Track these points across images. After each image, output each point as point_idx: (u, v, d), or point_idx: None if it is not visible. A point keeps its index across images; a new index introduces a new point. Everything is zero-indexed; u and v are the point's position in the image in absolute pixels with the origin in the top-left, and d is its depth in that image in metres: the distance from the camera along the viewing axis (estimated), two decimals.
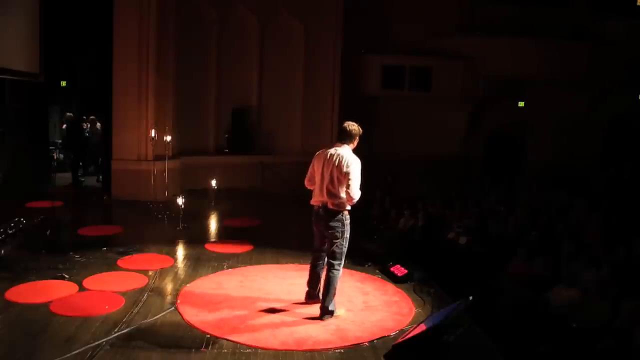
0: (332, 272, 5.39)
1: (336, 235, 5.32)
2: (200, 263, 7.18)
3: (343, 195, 5.22)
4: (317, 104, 13.20)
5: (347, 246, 5.40)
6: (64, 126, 13.43)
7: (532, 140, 15.89)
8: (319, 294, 5.61)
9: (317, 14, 13.10)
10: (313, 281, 5.73)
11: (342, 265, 5.45)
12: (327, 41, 13.18)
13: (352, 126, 5.37)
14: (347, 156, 5.25)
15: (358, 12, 13.51)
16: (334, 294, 5.42)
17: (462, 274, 6.60)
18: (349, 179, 5.16)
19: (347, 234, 5.36)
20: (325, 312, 5.41)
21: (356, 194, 5.20)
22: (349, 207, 5.32)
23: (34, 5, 11.32)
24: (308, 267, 5.80)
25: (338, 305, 5.58)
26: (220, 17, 12.72)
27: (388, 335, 5.17)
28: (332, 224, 5.29)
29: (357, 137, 5.39)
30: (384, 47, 14.14)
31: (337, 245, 5.35)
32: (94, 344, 4.69)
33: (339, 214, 5.28)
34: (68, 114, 13.51)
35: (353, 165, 5.21)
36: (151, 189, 10.56)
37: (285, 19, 13.15)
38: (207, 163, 12.09)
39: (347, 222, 5.33)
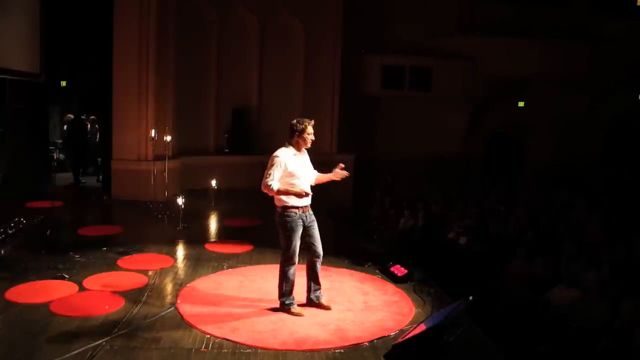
0: (280, 265, 5.53)
1: (278, 230, 5.48)
2: (200, 263, 7.17)
3: None
4: (317, 104, 13.18)
5: (293, 243, 5.40)
6: (65, 127, 13.43)
7: (533, 140, 15.90)
8: (312, 296, 5.66)
9: (317, 14, 13.09)
10: (307, 284, 5.72)
11: (289, 262, 5.46)
12: (327, 41, 13.16)
13: (292, 122, 5.46)
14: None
15: (358, 12, 13.50)
16: (284, 287, 5.52)
17: (462, 274, 6.61)
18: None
19: (287, 232, 5.39)
20: (280, 306, 5.57)
21: (262, 183, 5.30)
22: (289, 204, 5.35)
23: (34, 5, 11.32)
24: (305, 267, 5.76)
25: (322, 311, 5.61)
26: (220, 17, 12.71)
27: (388, 335, 5.17)
28: (276, 220, 5.48)
29: (295, 132, 5.40)
30: (384, 47, 14.13)
31: (282, 242, 5.48)
32: (94, 344, 4.69)
33: (278, 209, 5.43)
34: (69, 115, 13.52)
35: (271, 158, 5.35)
36: (151, 189, 10.55)
37: (286, 19, 13.14)
38: (207, 163, 12.08)
39: (286, 219, 5.37)
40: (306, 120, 5.44)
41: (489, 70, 14.10)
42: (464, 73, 14.29)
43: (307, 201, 5.42)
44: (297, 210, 5.37)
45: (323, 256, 5.66)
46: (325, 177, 5.62)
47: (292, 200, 5.34)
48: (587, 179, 13.16)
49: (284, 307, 5.55)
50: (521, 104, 15.36)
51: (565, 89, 14.53)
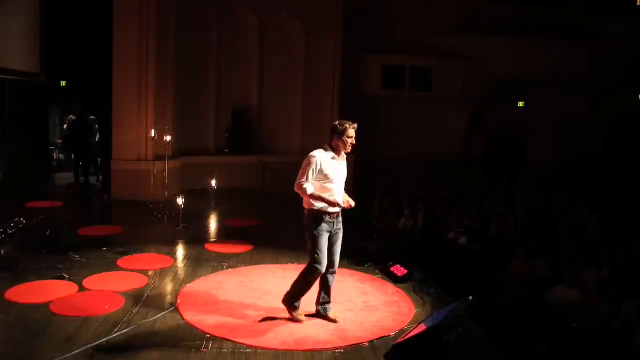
0: (304, 271, 5.29)
1: (305, 234, 5.24)
2: (200, 263, 7.18)
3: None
4: (317, 104, 13.19)
5: (319, 248, 5.14)
6: (65, 126, 13.42)
7: (533, 140, 15.89)
8: (320, 308, 5.46)
9: (317, 14, 13.09)
10: (318, 294, 5.50)
11: (314, 272, 5.19)
12: (327, 41, 13.15)
13: (333, 123, 5.22)
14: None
15: (358, 12, 13.49)
16: (300, 289, 5.31)
17: (462, 274, 6.60)
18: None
19: (313, 237, 5.14)
20: (284, 299, 5.38)
21: (295, 183, 5.07)
22: (318, 206, 5.11)
23: (34, 6, 11.34)
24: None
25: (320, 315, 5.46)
26: (220, 17, 12.72)
27: (388, 335, 5.17)
28: (304, 224, 5.25)
29: (335, 134, 5.13)
30: (384, 47, 14.12)
31: (308, 249, 5.24)
32: (94, 344, 4.70)
33: (305, 212, 5.21)
34: (70, 116, 13.51)
35: (307, 157, 5.11)
36: (151, 189, 10.55)
37: (285, 19, 13.14)
38: (207, 163, 12.07)
39: (312, 223, 5.14)
40: (348, 122, 5.15)
41: (489, 70, 14.10)
42: (464, 73, 14.27)
43: (337, 208, 5.20)
44: (325, 216, 5.13)
45: None
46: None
47: (321, 204, 5.11)
48: (587, 179, 13.15)
49: (288, 307, 5.37)
50: (521, 104, 15.35)
51: (566, 89, 14.52)
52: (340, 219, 5.30)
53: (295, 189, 5.11)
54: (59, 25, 11.54)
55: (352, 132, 5.11)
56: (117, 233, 8.58)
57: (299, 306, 5.40)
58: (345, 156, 5.27)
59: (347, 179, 5.37)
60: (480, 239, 7.73)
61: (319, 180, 5.09)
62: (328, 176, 5.09)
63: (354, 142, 5.18)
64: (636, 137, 15.32)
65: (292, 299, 5.38)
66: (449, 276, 6.62)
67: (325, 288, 5.43)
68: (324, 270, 5.22)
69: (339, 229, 5.30)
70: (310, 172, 5.04)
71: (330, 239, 5.24)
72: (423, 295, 6.22)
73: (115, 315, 5.34)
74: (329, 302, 5.48)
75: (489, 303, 5.52)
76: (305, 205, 5.20)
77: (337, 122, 5.18)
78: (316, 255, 5.16)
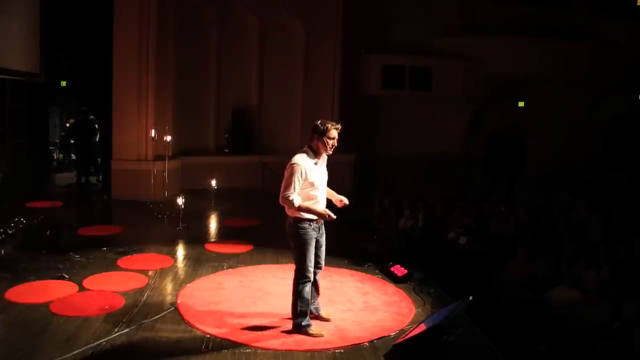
0: (293, 282, 5.04)
1: (290, 244, 5.03)
2: (200, 263, 7.18)
3: None
4: (317, 104, 13.18)
5: (307, 257, 4.94)
6: (68, 124, 13.41)
7: (533, 140, 15.89)
8: (311, 307, 5.30)
9: (317, 14, 13.09)
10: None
11: (303, 278, 4.96)
12: (327, 41, 13.16)
13: (315, 122, 4.94)
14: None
15: (358, 12, 13.49)
16: (298, 307, 5.01)
17: (462, 274, 6.60)
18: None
19: (300, 245, 4.92)
20: (294, 327, 5.09)
21: (280, 196, 4.80)
22: (304, 216, 4.87)
23: (34, 6, 11.33)
24: None
25: (325, 321, 5.34)
26: (220, 17, 12.72)
27: (388, 335, 5.17)
28: (287, 230, 5.02)
29: (315, 133, 4.88)
30: (384, 47, 14.12)
31: (294, 256, 5.04)
32: (94, 344, 4.70)
33: (289, 218, 4.97)
34: (72, 120, 13.50)
35: (289, 166, 4.82)
36: (151, 189, 10.56)
37: (285, 19, 13.15)
38: (207, 163, 12.08)
39: (299, 230, 4.89)
40: (331, 122, 4.88)
41: (489, 70, 14.10)
42: (465, 73, 14.26)
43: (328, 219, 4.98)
44: (311, 223, 4.92)
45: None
46: (328, 193, 5.18)
47: (307, 213, 4.88)
48: (587, 179, 13.15)
49: (301, 329, 5.04)
50: (521, 104, 15.36)
51: (566, 89, 14.52)
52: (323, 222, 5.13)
53: (281, 202, 4.84)
54: (59, 25, 11.54)
55: (334, 133, 4.85)
56: (117, 233, 8.58)
57: (310, 323, 5.11)
58: (325, 157, 5.05)
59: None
60: (480, 239, 7.73)
61: (304, 189, 4.84)
62: (313, 183, 4.86)
63: (336, 144, 4.92)
64: (636, 137, 15.31)
65: (299, 322, 5.08)
66: (449, 276, 6.62)
67: (314, 284, 5.28)
68: (312, 279, 5.07)
69: (324, 232, 5.15)
70: (296, 181, 4.75)
71: (315, 243, 5.06)
72: (423, 295, 6.22)
73: (115, 315, 5.33)
74: (317, 297, 5.36)
75: (489, 303, 5.52)
76: (289, 213, 4.95)
77: (319, 121, 4.91)
78: (304, 266, 4.97)
